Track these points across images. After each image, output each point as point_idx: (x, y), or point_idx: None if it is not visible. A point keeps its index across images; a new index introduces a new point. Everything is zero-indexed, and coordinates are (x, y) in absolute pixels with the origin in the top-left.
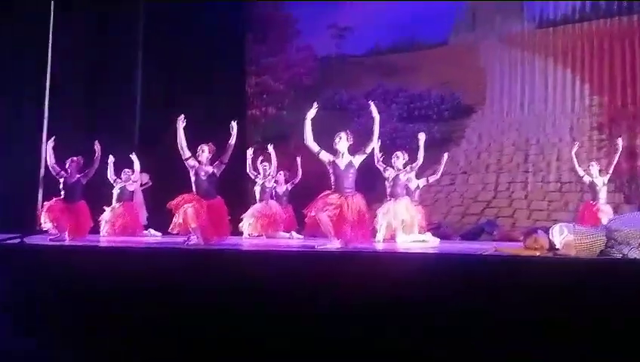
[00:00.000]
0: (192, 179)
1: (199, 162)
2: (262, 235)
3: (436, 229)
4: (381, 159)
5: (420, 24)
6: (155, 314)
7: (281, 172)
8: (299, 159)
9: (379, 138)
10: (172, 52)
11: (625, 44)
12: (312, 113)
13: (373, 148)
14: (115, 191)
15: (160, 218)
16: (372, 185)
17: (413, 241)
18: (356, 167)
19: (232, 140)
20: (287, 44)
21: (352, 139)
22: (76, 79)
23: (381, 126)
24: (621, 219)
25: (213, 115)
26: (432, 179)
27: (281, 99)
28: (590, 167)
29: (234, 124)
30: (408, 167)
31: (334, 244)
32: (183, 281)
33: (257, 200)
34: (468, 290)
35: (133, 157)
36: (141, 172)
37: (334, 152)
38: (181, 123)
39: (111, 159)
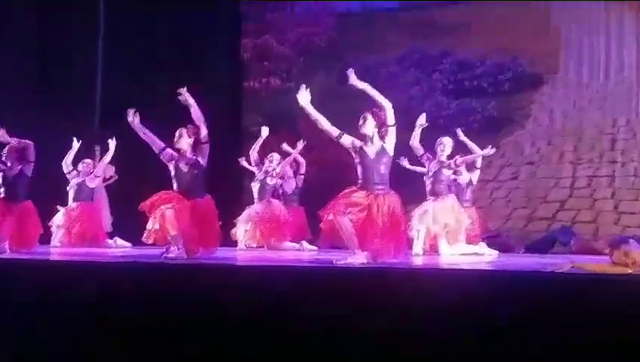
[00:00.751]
0: (172, 172)
1: (178, 151)
2: (262, 246)
3: (494, 238)
4: (419, 145)
5: None
6: (121, 348)
7: (290, 164)
8: (300, 144)
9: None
10: (140, 9)
11: None
12: (305, 97)
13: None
14: (71, 188)
15: (129, 223)
16: (406, 181)
17: (463, 254)
18: (391, 154)
19: (195, 110)
20: None
21: (383, 118)
22: (24, 50)
23: (420, 102)
24: None
25: (199, 88)
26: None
27: (287, 67)
28: None
29: (182, 90)
30: (457, 158)
31: (359, 259)
32: (160, 308)
33: (255, 200)
34: (536, 319)
35: (111, 143)
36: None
37: (361, 137)
38: (134, 118)
39: (75, 144)
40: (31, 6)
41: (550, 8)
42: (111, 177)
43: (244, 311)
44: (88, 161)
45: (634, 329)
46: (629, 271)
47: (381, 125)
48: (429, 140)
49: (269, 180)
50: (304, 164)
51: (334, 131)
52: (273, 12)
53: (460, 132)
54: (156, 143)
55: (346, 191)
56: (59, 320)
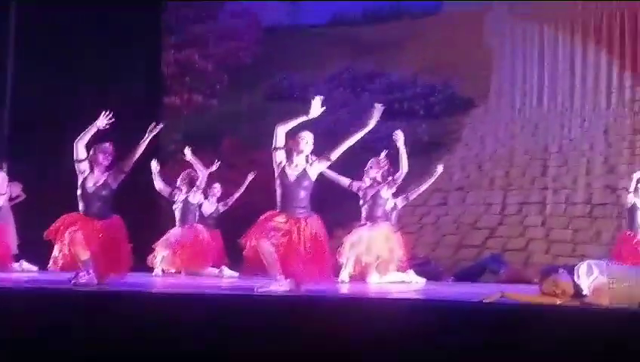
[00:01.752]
0: (78, 191)
1: (93, 169)
2: (180, 272)
3: (422, 266)
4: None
5: None
6: None
7: (215, 185)
8: (251, 176)
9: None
10: (58, 17)
11: None
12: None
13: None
14: None
15: (36, 245)
16: (338, 202)
17: (391, 282)
18: (312, 179)
19: (143, 143)
20: (221, 7)
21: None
22: None
23: (348, 124)
24: None
25: (116, 104)
26: (412, 196)
27: (210, 84)
28: (635, 180)
29: (153, 128)
30: (390, 180)
31: (282, 286)
32: (68, 338)
33: (177, 223)
34: (463, 349)
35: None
36: (10, 181)
37: (287, 156)
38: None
39: None
40: None
41: (483, 30)
42: (17, 196)
43: (159, 340)
44: None
45: (563, 359)
46: (558, 302)
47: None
48: (359, 163)
49: (191, 199)
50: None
51: (281, 140)
52: (196, 24)
53: (398, 137)
54: (79, 150)
55: (267, 214)
56: None
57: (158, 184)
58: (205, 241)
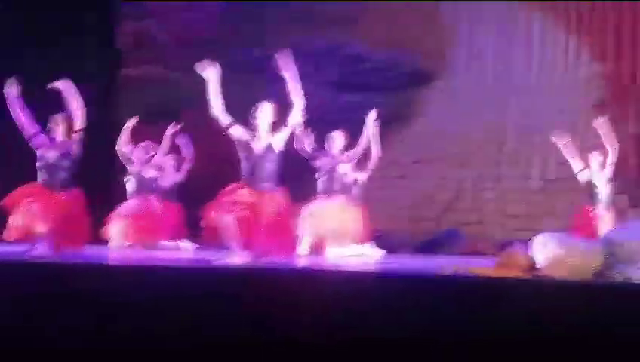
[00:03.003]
0: (37, 163)
1: (51, 140)
2: (136, 244)
3: (379, 239)
4: (307, 141)
5: None
6: None
7: (169, 156)
8: (171, 128)
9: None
10: None
11: None
12: (212, 73)
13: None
14: None
15: None
16: (299, 176)
17: (349, 255)
18: (276, 151)
19: (75, 101)
20: None
21: (276, 114)
22: None
23: (306, 97)
24: (624, 230)
25: (70, 75)
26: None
27: (167, 56)
28: (591, 158)
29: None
30: (345, 155)
31: (238, 258)
32: (23, 311)
33: (130, 196)
34: (418, 322)
35: None
36: None
37: (251, 129)
38: (13, 90)
39: None
40: None
41: (441, 6)
42: None
43: (113, 313)
44: None
45: (515, 330)
46: (513, 274)
47: (276, 120)
48: (316, 137)
49: (144, 173)
50: (189, 160)
51: (225, 119)
52: None
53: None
54: (26, 127)
55: (230, 187)
56: None
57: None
58: (159, 214)
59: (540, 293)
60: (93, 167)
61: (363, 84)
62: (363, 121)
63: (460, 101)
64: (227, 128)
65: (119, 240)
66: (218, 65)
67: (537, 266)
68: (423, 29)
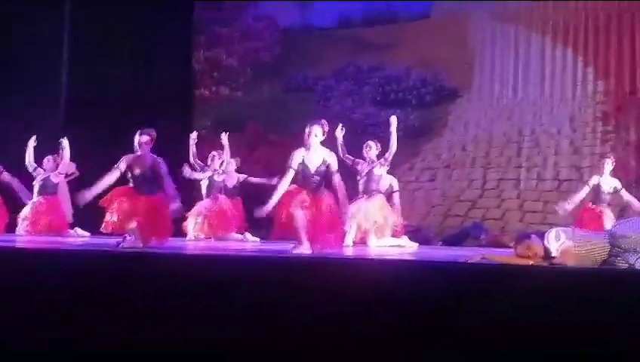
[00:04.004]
0: (128, 174)
1: (137, 157)
2: (210, 237)
3: (415, 233)
4: (347, 155)
5: None
6: (84, 327)
7: (232, 160)
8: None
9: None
10: (103, 18)
11: (635, 21)
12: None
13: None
14: (37, 183)
15: (87, 215)
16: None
17: (389, 246)
18: (328, 163)
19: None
20: (244, 11)
21: (327, 129)
22: None
23: (352, 111)
24: (627, 224)
25: (153, 95)
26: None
27: (235, 77)
28: (604, 164)
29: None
30: (382, 159)
31: (307, 249)
32: (116, 290)
33: (204, 196)
34: (450, 303)
35: (65, 142)
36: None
37: (305, 146)
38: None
39: (32, 142)
40: None
41: (466, 31)
42: (72, 173)
43: (194, 294)
44: (51, 157)
45: (533, 313)
46: (531, 263)
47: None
48: (360, 145)
49: (216, 177)
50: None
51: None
52: (223, 27)
53: (392, 121)
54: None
55: (291, 189)
56: (23, 303)
57: (192, 158)
58: (229, 211)
59: (554, 278)
60: (174, 170)
61: (400, 100)
62: (401, 133)
63: (482, 112)
64: (288, 168)
65: (195, 234)
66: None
67: (551, 255)
68: (450, 52)
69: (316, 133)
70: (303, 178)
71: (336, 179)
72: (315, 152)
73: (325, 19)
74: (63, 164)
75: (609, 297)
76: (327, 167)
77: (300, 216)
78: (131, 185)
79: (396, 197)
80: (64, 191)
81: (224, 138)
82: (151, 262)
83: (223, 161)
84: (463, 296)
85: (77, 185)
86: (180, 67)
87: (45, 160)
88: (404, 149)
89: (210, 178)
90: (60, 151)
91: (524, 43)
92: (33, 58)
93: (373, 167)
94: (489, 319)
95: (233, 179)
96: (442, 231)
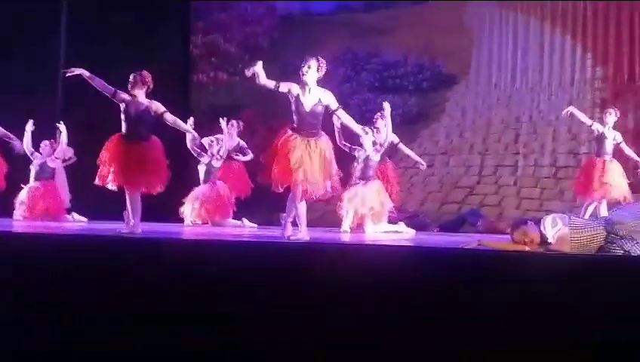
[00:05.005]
0: (122, 116)
1: (132, 96)
2: (207, 223)
3: (412, 218)
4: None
5: None
6: (84, 313)
7: (233, 122)
8: (222, 122)
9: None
10: (100, 3)
11: (634, 7)
12: (258, 68)
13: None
14: (34, 168)
15: (83, 200)
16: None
17: (385, 232)
18: (324, 105)
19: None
20: None
21: (325, 68)
22: None
23: (349, 97)
24: (624, 210)
25: (153, 75)
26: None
27: (233, 63)
28: (607, 115)
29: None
30: (377, 145)
31: (305, 236)
32: (114, 277)
33: (201, 182)
34: (446, 289)
35: (62, 127)
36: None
37: (300, 84)
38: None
39: (29, 126)
40: None
41: (464, 16)
42: (69, 158)
43: (190, 281)
44: (48, 142)
45: (529, 299)
46: (527, 249)
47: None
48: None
49: (214, 163)
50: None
51: (270, 83)
52: (221, 12)
53: (385, 107)
54: (107, 88)
55: (283, 133)
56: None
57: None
58: (226, 196)
59: (550, 265)
60: (172, 157)
61: (397, 86)
62: (398, 118)
63: (480, 99)
64: (275, 88)
65: (193, 219)
66: (260, 62)
67: (548, 242)
68: (448, 37)
69: (310, 65)
70: (297, 117)
71: (341, 114)
72: (310, 91)
73: (324, 5)
74: (59, 148)
75: (605, 284)
76: (326, 108)
77: (302, 205)
78: (123, 129)
79: (403, 147)
80: (62, 177)
81: (222, 123)
82: (149, 248)
83: (221, 148)
84: (459, 282)
85: (74, 170)
86: (177, 52)
87: (42, 144)
88: (401, 135)
89: (208, 164)
90: (57, 135)
91: (522, 29)
92: (31, 43)
93: (369, 155)
94: (485, 305)
95: (234, 142)
96: (439, 218)
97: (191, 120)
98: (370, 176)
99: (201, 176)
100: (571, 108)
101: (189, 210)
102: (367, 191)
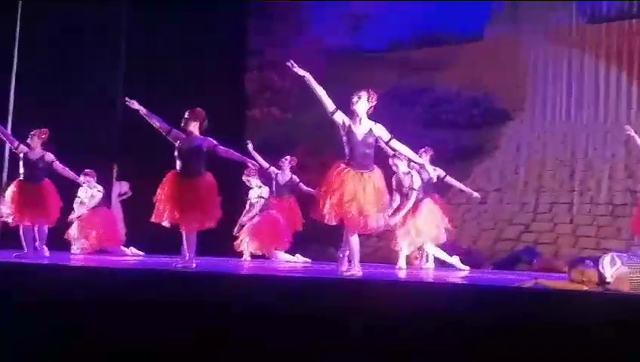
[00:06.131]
0: (175, 153)
1: (184, 132)
2: (264, 254)
3: (465, 255)
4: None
5: (450, 14)
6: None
7: (286, 157)
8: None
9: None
10: (159, 41)
11: None
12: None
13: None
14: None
15: (141, 234)
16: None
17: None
18: (376, 136)
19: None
20: (296, 35)
21: (375, 100)
22: (43, 82)
23: (401, 132)
24: None
25: (210, 113)
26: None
27: (286, 99)
28: None
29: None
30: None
31: (359, 272)
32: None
33: (255, 214)
34: (502, 330)
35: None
36: (121, 180)
37: (350, 115)
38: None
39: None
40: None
41: (519, 53)
42: (125, 193)
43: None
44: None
45: (588, 340)
46: (585, 288)
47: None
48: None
49: (263, 193)
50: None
51: (330, 105)
52: (275, 49)
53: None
54: (163, 125)
55: (335, 167)
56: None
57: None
58: (280, 224)
59: (609, 304)
60: (226, 188)
61: (450, 121)
62: (451, 154)
63: (534, 135)
64: (331, 114)
65: (252, 251)
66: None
67: (606, 281)
68: (503, 74)
69: (361, 95)
70: (349, 148)
71: (395, 144)
72: (360, 121)
73: (375, 42)
74: (121, 184)
75: None
76: (377, 139)
77: (355, 240)
78: (177, 166)
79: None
80: (118, 211)
81: (250, 148)
82: (203, 282)
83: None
84: (515, 320)
85: (130, 206)
86: (232, 89)
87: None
88: (454, 171)
89: (259, 196)
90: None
91: (577, 66)
92: (91, 84)
93: (420, 170)
94: (544, 345)
95: (286, 176)
96: (493, 255)
97: (250, 145)
98: (420, 196)
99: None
100: (631, 130)
101: (245, 243)
102: (417, 220)
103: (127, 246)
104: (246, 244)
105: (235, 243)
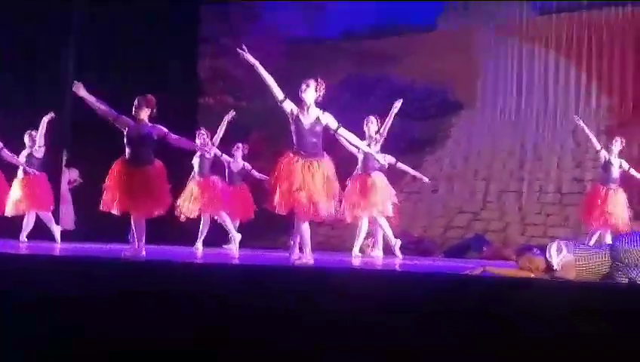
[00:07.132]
0: (125, 140)
1: (135, 119)
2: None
3: (417, 243)
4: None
5: (404, 5)
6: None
7: (239, 145)
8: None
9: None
10: (110, 28)
11: (639, 36)
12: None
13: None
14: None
15: (89, 222)
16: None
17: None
18: (323, 124)
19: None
20: (250, 23)
21: (324, 90)
22: None
23: (354, 123)
24: (630, 238)
25: (158, 102)
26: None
27: (240, 87)
28: (613, 143)
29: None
30: (377, 135)
31: (310, 259)
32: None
33: (196, 175)
34: (450, 316)
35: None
36: (70, 167)
37: (299, 103)
38: (79, 89)
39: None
40: None
41: (471, 45)
42: (75, 180)
43: (193, 308)
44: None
45: (533, 325)
46: (532, 276)
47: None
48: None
49: (205, 154)
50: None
51: (279, 94)
52: (228, 37)
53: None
54: (110, 112)
55: (283, 157)
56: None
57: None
58: (220, 189)
59: (555, 291)
60: (174, 175)
61: (404, 112)
62: (404, 144)
63: (486, 125)
64: (280, 102)
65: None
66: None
67: (553, 269)
68: (455, 65)
69: (309, 84)
70: (297, 137)
71: (342, 133)
72: (308, 110)
73: (331, 31)
74: (70, 171)
75: (610, 311)
76: (325, 126)
77: (306, 229)
78: (126, 154)
79: (402, 165)
80: (66, 198)
81: (231, 114)
82: (151, 271)
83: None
84: (463, 306)
85: (81, 194)
86: (185, 77)
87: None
88: (407, 161)
89: (201, 156)
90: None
91: (528, 57)
92: (42, 73)
93: (369, 144)
94: (490, 332)
95: (238, 164)
96: (444, 243)
97: (203, 130)
98: (371, 169)
99: (196, 168)
100: (579, 120)
101: (185, 205)
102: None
103: (75, 233)
104: (186, 206)
105: (176, 204)
